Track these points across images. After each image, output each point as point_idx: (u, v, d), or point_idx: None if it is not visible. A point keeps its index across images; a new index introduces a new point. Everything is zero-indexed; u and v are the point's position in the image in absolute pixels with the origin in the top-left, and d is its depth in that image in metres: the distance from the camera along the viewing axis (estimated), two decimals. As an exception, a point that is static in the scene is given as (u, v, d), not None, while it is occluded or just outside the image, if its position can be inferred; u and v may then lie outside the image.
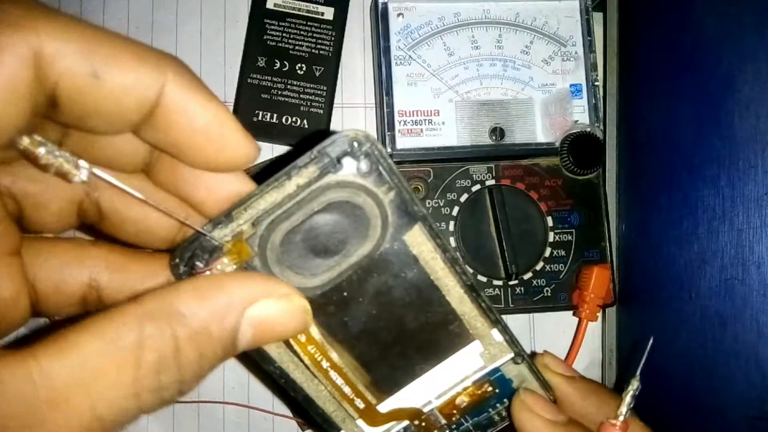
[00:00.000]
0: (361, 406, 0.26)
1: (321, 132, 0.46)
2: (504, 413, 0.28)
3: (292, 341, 0.24)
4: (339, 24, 0.46)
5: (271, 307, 0.20)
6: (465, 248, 0.43)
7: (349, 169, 0.21)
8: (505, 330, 0.26)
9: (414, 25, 0.44)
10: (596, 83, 0.45)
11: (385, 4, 0.44)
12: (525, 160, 0.44)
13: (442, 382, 0.27)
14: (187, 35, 0.48)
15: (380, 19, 0.44)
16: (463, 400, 0.27)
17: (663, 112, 0.43)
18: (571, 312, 0.45)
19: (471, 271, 0.43)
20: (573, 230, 0.44)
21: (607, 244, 0.45)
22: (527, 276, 0.43)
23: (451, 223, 0.43)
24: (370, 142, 0.21)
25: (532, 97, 0.45)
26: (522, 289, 0.44)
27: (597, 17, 0.47)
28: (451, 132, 0.44)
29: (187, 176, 0.21)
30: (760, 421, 0.33)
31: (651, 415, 0.30)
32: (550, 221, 0.44)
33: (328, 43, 0.46)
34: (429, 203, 0.43)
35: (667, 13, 0.43)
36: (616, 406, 0.27)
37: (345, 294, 0.23)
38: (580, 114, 0.45)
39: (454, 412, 0.28)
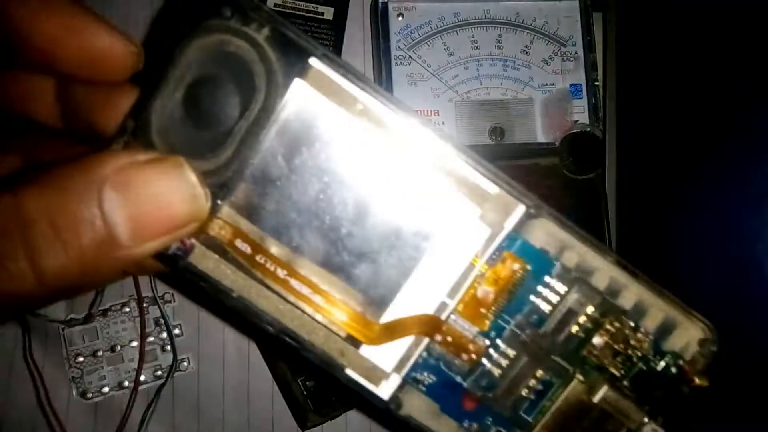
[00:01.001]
0: (355, 325, 0.20)
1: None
2: (553, 298, 0.20)
3: (241, 258, 0.20)
4: (339, 24, 0.46)
5: (137, 172, 0.17)
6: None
7: (209, 18, 0.19)
8: (499, 177, 0.20)
9: (414, 25, 0.44)
10: (596, 83, 0.45)
11: (385, 4, 0.44)
12: (525, 160, 0.44)
13: (447, 274, 0.20)
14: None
15: (380, 19, 0.44)
16: (487, 290, 0.20)
17: (663, 111, 0.43)
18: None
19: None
20: (573, 230, 0.44)
21: (607, 244, 0.45)
22: (527, 276, 0.43)
23: (451, 223, 0.43)
24: None
25: (532, 97, 0.45)
26: (522, 289, 0.43)
27: (597, 17, 0.47)
28: (451, 132, 0.44)
29: (90, 105, 0.22)
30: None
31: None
32: (550, 221, 0.44)
33: (328, 43, 0.46)
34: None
35: (666, 12, 0.43)
36: None
37: (271, 176, 0.19)
38: (579, 114, 0.45)
39: (483, 311, 0.20)
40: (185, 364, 0.44)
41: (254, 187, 0.20)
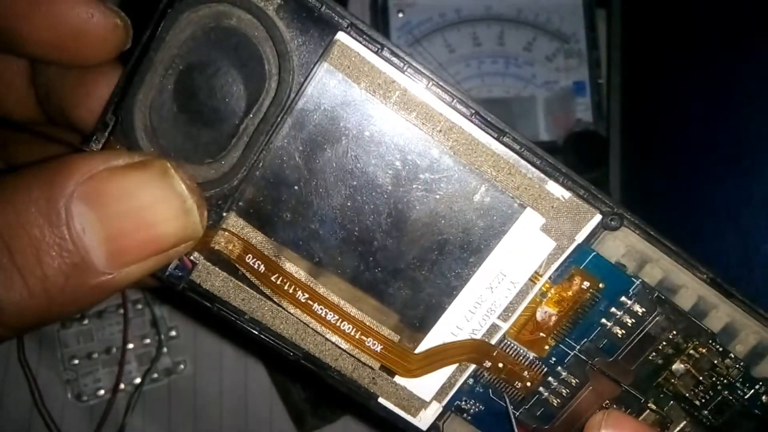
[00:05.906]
0: (390, 356, 0.17)
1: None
2: (628, 321, 0.17)
3: (254, 278, 0.16)
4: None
5: (112, 181, 0.13)
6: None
7: None
8: (569, 178, 0.15)
9: (414, 21, 0.44)
10: (600, 81, 0.45)
11: (385, 1, 0.43)
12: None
13: (501, 294, 0.16)
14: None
15: (380, 15, 0.43)
16: (548, 312, 0.17)
17: (668, 110, 0.42)
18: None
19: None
20: (576, 230, 0.44)
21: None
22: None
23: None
24: None
25: (535, 95, 0.44)
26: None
27: (600, 14, 0.47)
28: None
29: (64, 92, 0.18)
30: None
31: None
32: (552, 221, 0.43)
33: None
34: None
35: (670, 11, 0.42)
36: None
37: (288, 179, 0.15)
38: (583, 112, 0.44)
39: (542, 335, 0.17)
40: (181, 366, 0.44)
41: (267, 192, 0.16)
